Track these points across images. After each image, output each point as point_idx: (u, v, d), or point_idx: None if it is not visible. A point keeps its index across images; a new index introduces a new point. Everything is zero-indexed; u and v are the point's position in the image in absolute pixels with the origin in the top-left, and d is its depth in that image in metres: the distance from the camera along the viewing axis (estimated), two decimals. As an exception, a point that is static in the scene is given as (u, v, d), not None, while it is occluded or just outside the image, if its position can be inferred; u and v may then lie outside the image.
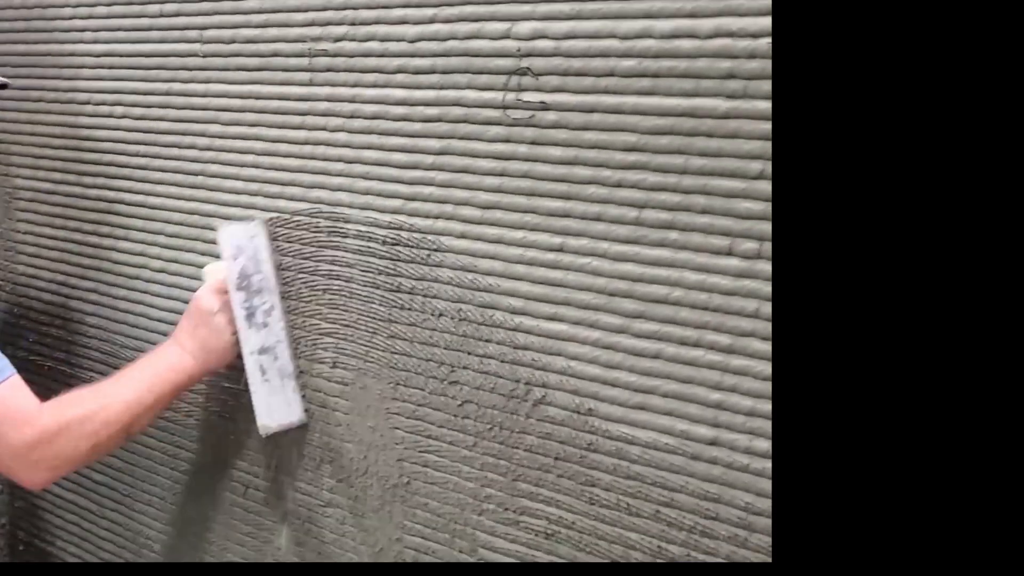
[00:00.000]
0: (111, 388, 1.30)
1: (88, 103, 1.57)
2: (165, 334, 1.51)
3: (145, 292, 1.55)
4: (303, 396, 1.36)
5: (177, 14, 1.42)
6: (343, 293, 1.30)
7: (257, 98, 1.36)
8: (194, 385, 1.39)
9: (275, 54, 1.32)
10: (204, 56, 1.41)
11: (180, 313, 1.49)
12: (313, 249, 1.32)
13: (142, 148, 1.51)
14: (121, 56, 1.51)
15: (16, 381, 1.27)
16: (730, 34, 0.95)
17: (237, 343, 1.32)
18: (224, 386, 1.46)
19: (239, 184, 1.40)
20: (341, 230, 1.29)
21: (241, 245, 1.32)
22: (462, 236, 1.17)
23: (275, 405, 1.33)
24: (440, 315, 1.20)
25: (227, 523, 1.50)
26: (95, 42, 1.53)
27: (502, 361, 1.15)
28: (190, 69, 1.43)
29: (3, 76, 1.47)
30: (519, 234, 1.12)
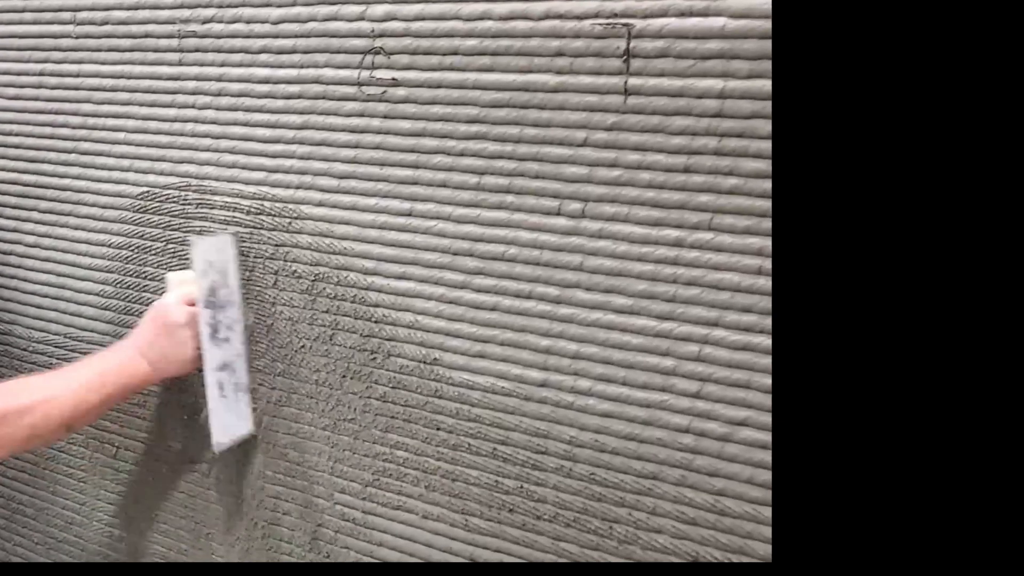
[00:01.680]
0: (57, 382, 1.27)
1: (-39, 84, 1.61)
2: (39, 307, 1.57)
3: (19, 267, 1.60)
4: (254, 408, 1.36)
5: (51, -4, 1.48)
6: (210, 261, 1.38)
7: (128, 77, 1.43)
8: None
9: (146, 35, 1.39)
10: (77, 37, 1.47)
11: (54, 287, 1.55)
12: (181, 221, 1.40)
13: (15, 127, 1.57)
14: (-5, 38, 1.56)
15: None
16: (559, 16, 1.07)
17: (198, 357, 1.31)
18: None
19: (111, 160, 1.47)
20: (208, 202, 1.37)
21: (212, 260, 1.30)
22: (320, 204, 1.26)
23: (229, 421, 1.33)
24: (299, 278, 1.29)
25: (98, 484, 1.56)
26: (-31, 24, 1.58)
27: (356, 318, 1.25)
28: (63, 50, 1.49)
29: None
30: (372, 201, 1.22)
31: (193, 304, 1.31)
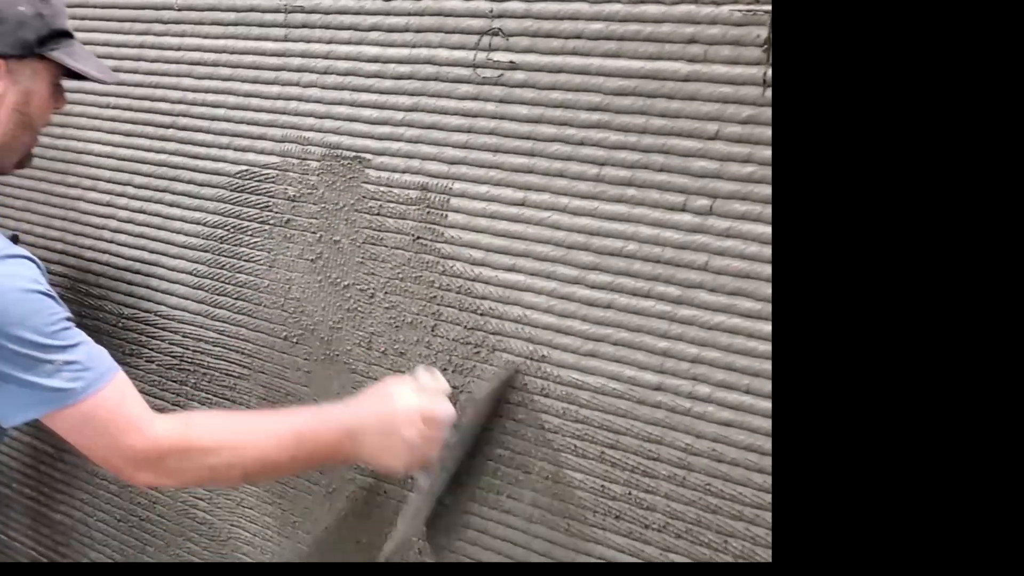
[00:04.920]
0: (251, 431, 1.17)
1: (60, 54, 1.59)
2: (130, 283, 1.55)
3: (111, 242, 1.58)
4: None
5: (155, -33, 1.45)
6: (308, 243, 1.34)
7: (231, 52, 1.39)
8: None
9: (251, 9, 1.35)
10: (179, 9, 1.44)
11: (145, 263, 1.53)
12: (281, 201, 1.36)
13: (112, 100, 1.54)
14: (94, 7, 1.54)
15: (121, 382, 1.17)
16: (694, 0, 1.01)
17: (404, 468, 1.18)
18: (188, 332, 1.50)
19: (209, 137, 1.44)
20: (310, 183, 1.33)
21: (481, 402, 1.18)
22: (427, 190, 1.22)
23: (405, 537, 1.23)
24: (402, 266, 1.24)
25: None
26: (70, -7, 1.56)
27: (461, 310, 1.20)
28: (164, 22, 1.46)
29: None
30: (483, 188, 1.17)
31: (431, 422, 1.14)
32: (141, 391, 1.55)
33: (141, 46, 1.49)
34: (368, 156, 1.26)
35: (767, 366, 1.01)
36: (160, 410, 1.55)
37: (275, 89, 1.35)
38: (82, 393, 1.13)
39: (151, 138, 1.51)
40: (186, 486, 1.30)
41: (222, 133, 1.42)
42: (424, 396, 1.15)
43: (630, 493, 1.11)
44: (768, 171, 0.98)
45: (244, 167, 1.40)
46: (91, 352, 1.16)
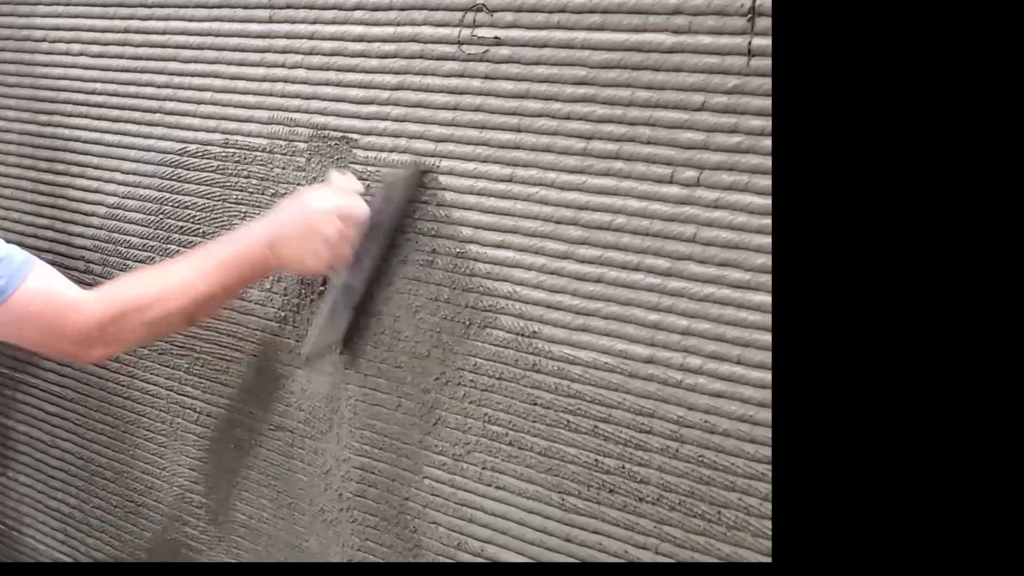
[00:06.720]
0: (179, 274, 1.22)
1: (44, 40, 1.59)
2: (119, 269, 1.55)
3: (100, 228, 1.58)
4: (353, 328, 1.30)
5: (139, -50, 1.45)
6: (297, 225, 1.34)
7: (216, 35, 1.39)
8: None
9: (235, -9, 1.35)
10: (164, -7, 1.44)
11: (134, 248, 1.53)
12: (269, 183, 1.36)
13: (99, 86, 1.54)
14: (80, -7, 1.53)
15: (42, 270, 1.21)
16: (676, -29, 1.00)
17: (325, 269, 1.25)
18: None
19: (196, 121, 1.43)
20: (296, 164, 1.33)
21: (392, 195, 1.22)
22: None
23: (322, 341, 1.28)
24: (391, 245, 1.24)
25: (179, 449, 1.54)
26: (53, -22, 1.55)
27: (450, 287, 1.20)
28: (149, 6, 1.45)
29: None
30: (470, 165, 1.17)
31: (346, 219, 1.20)
32: (135, 378, 1.57)
33: (126, 31, 1.49)
34: (355, 136, 1.26)
35: (758, 336, 1.01)
36: (155, 396, 1.55)
37: (261, 71, 1.35)
38: (5, 292, 1.16)
39: (138, 123, 1.50)
40: (136, 346, 1.36)
41: (209, 117, 1.42)
42: (339, 195, 1.22)
43: (624, 467, 1.11)
44: (755, 141, 0.98)
45: (232, 150, 1.40)
46: None
